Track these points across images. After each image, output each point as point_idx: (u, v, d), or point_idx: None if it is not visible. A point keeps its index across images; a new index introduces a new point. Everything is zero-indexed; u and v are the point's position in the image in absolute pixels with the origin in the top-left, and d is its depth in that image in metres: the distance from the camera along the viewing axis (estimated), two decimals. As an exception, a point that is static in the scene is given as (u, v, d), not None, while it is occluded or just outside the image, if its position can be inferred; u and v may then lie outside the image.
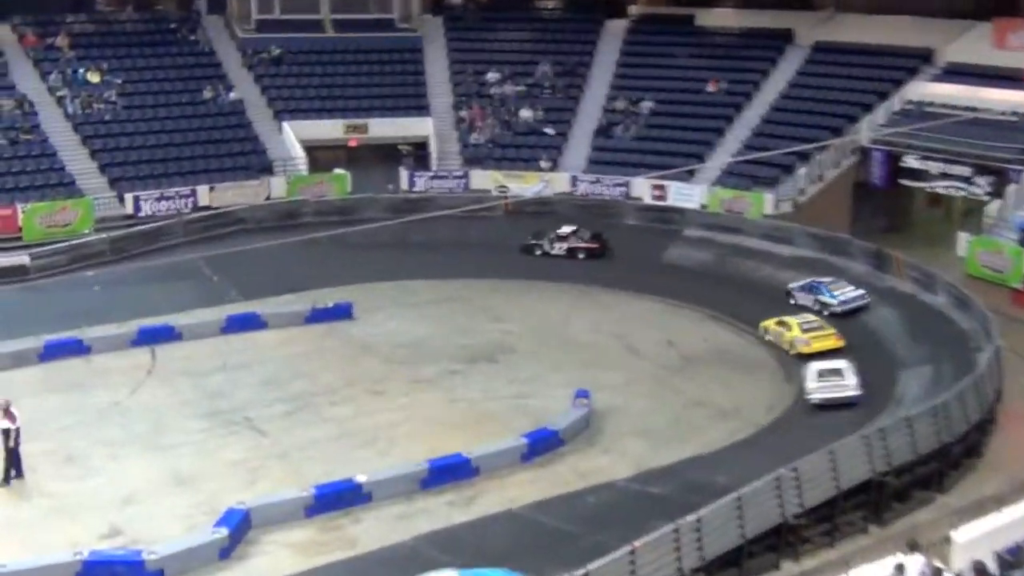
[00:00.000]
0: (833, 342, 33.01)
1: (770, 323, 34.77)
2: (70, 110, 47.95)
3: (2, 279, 39.75)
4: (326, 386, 31.80)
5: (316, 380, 32.20)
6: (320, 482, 25.49)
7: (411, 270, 40.91)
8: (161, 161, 47.15)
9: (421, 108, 52.40)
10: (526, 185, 48.84)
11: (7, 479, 25.86)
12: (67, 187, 44.51)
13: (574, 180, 49.01)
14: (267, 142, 49.66)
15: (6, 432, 25.69)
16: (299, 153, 49.37)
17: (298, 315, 36.58)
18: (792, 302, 36.73)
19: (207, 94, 50.74)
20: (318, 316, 36.61)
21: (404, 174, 50.07)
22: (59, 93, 48.31)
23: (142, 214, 45.02)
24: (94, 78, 49.27)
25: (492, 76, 54.10)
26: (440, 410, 30.28)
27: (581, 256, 42.10)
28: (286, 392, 31.38)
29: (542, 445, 27.54)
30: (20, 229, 42.72)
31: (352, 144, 51.22)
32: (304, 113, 50.93)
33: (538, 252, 42.64)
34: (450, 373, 32.71)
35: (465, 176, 49.91)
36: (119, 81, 49.66)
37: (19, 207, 42.86)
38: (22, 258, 40.68)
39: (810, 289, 36.85)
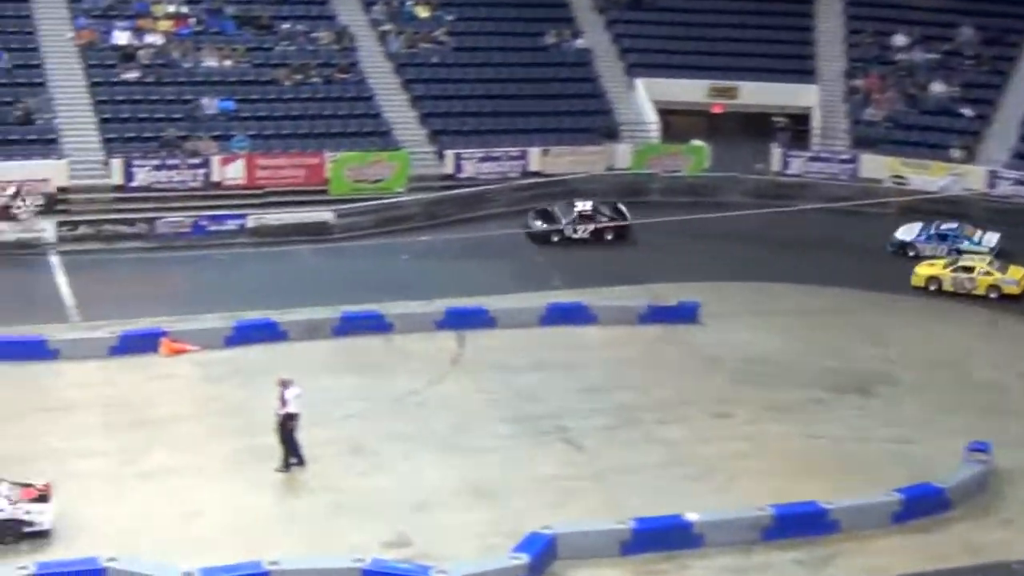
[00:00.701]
0: (1028, 275, 36.68)
1: (934, 270, 38.43)
2: (393, 48, 50.76)
3: (301, 236, 42.77)
4: (657, 401, 32.08)
5: (646, 392, 32.56)
6: (641, 514, 25.75)
7: (774, 271, 40.53)
8: (491, 115, 49.02)
9: (805, 73, 51.77)
10: (930, 178, 47.16)
11: (286, 465, 27.81)
12: (382, 137, 47.20)
13: (992, 177, 46.85)
14: (615, 101, 50.59)
15: (294, 415, 27.58)
16: (651, 117, 49.94)
17: (631, 311, 37.04)
18: (912, 254, 40.81)
19: (550, 39, 52.23)
20: (656, 315, 36.91)
21: (776, 152, 49.60)
22: (382, 27, 51.26)
23: (463, 175, 47.06)
24: (423, 13, 51.91)
25: (899, 39, 52.57)
26: (795, 446, 29.88)
27: (609, 237, 42.01)
28: (609, 403, 31.91)
29: (922, 505, 26.65)
30: (327, 181, 45.81)
31: (716, 111, 51.26)
32: (662, 69, 51.44)
33: (556, 239, 42.12)
34: (812, 402, 32.20)
35: (853, 160, 48.84)
36: (450, 18, 52.07)
37: (327, 156, 45.94)
38: (325, 214, 43.56)
39: (939, 238, 40.97)
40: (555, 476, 28.31)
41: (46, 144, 44.30)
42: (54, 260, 40.14)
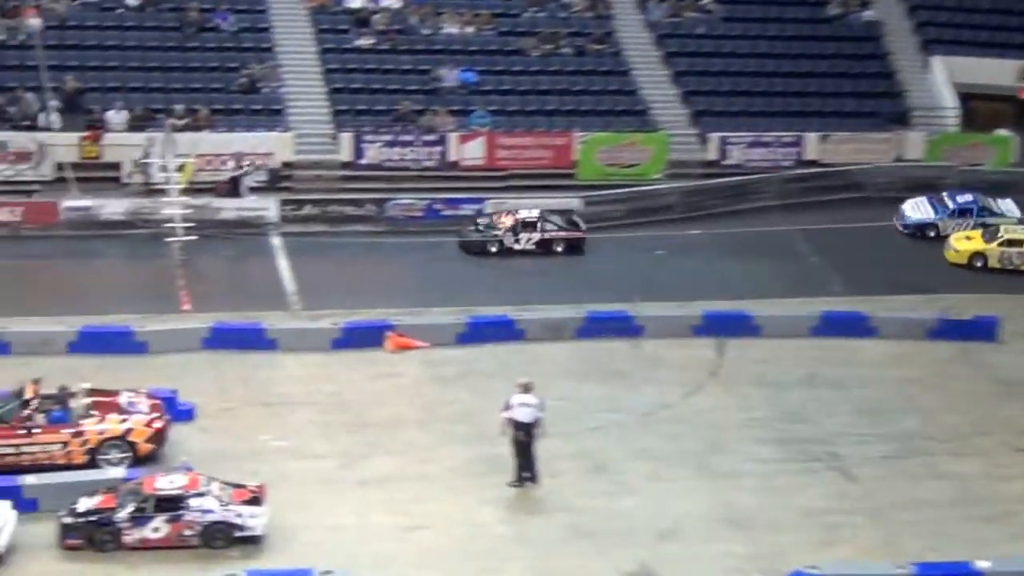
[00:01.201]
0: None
1: (973, 243, 40.76)
2: (653, 16, 50.66)
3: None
4: (948, 429, 31.27)
5: (934, 419, 31.77)
6: (924, 560, 25.14)
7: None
8: (762, 95, 48.52)
9: None
10: None
11: (519, 480, 28.00)
12: (638, 116, 47.17)
13: None
14: (907, 82, 49.39)
15: (525, 424, 27.68)
16: (949, 102, 48.57)
17: (919, 325, 36.12)
18: (932, 235, 42.35)
19: (834, 9, 51.30)
20: (948, 331, 35.91)
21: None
22: (645, -7, 51.17)
23: (728, 162, 46.68)
24: (689, -23, 51.61)
25: None
26: (1113, 491, 28.67)
27: (559, 248, 40.94)
28: (890, 428, 31.25)
29: None
30: (574, 165, 46.15)
31: (1025, 96, 49.64)
32: (964, 47, 50.05)
33: (493, 248, 40.78)
34: None
35: None
36: (720, -17, 51.69)
37: (577, 136, 46.23)
38: (572, 201, 43.86)
39: (968, 212, 42.77)
40: (823, 509, 27.85)
41: (271, 115, 45.81)
42: (275, 241, 41.49)
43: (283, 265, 39.90)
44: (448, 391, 32.41)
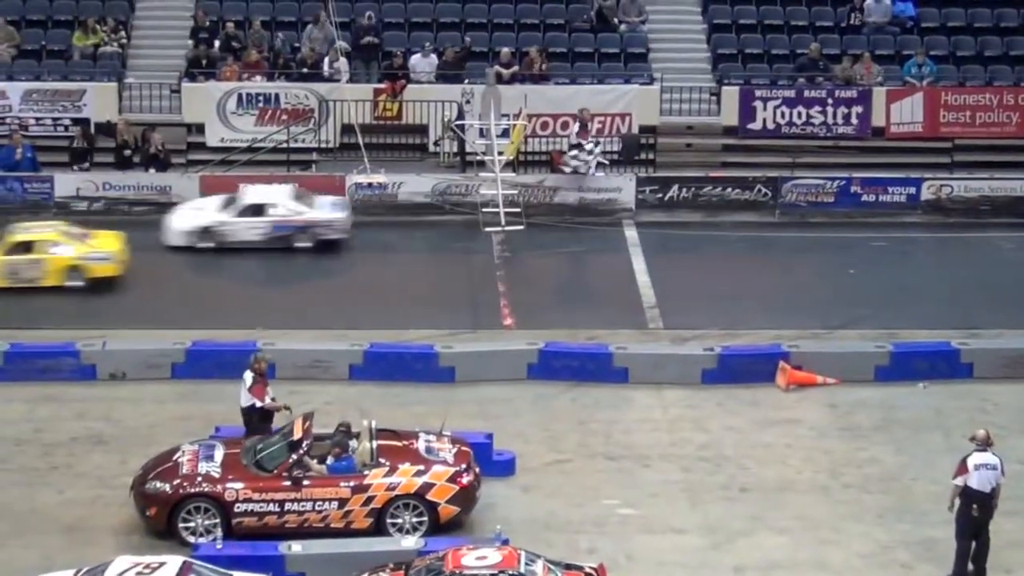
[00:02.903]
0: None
1: None
2: None
3: (1002, 218, 42.90)
4: None
5: None
6: None
7: None
8: None
9: None
10: None
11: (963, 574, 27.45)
12: None
13: None
14: None
15: (982, 495, 27.03)
16: None
17: None
18: None
19: None
20: None
21: None
22: None
23: None
24: None
25: None
26: None
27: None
28: None
29: None
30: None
31: None
32: None
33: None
34: None
35: None
36: None
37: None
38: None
39: None
40: None
41: (630, 62, 46.28)
42: (630, 234, 41.88)
43: (639, 267, 40.33)
44: (860, 446, 32.02)
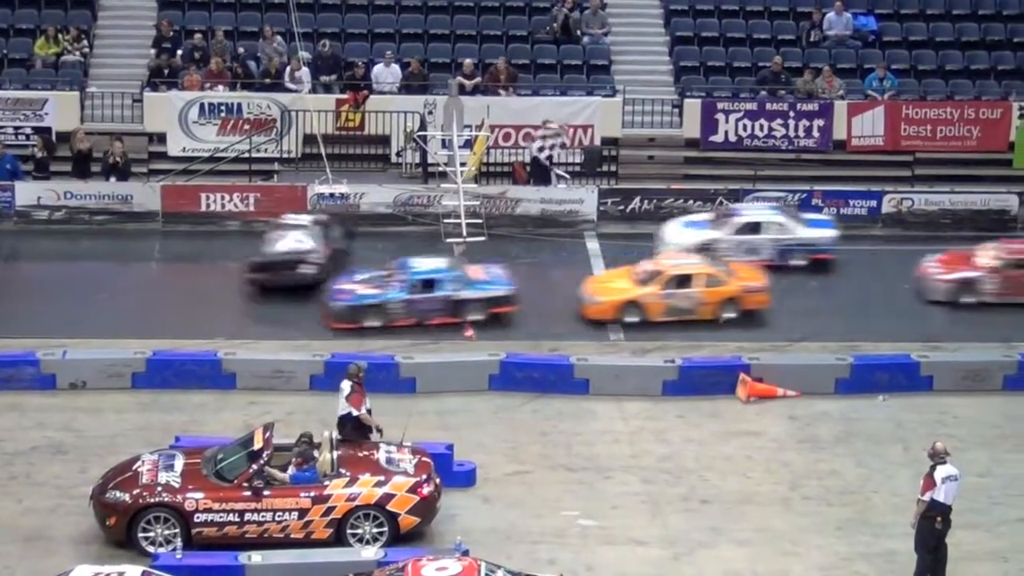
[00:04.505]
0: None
1: None
2: None
3: (965, 231, 42.97)
4: None
5: None
6: None
7: None
8: None
9: None
10: None
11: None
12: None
13: None
14: None
15: (945, 507, 27.06)
16: None
17: None
18: None
19: None
20: None
21: None
22: None
23: None
24: None
25: None
26: None
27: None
28: None
29: None
30: (1010, 147, 45.86)
31: None
32: None
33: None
34: None
35: None
36: None
37: (1015, 107, 45.71)
38: (1008, 199, 43.81)
39: None
40: None
41: (592, 73, 46.28)
42: (591, 246, 41.92)
43: (600, 278, 40.34)
44: (821, 458, 32.10)
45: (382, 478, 28.30)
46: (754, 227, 41.02)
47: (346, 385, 29.84)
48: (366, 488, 28.12)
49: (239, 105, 45.02)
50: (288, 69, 45.21)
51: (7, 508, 29.06)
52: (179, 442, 30.15)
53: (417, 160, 44.43)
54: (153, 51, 46.55)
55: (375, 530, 28.08)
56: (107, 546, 27.59)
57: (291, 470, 28.01)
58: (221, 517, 27.71)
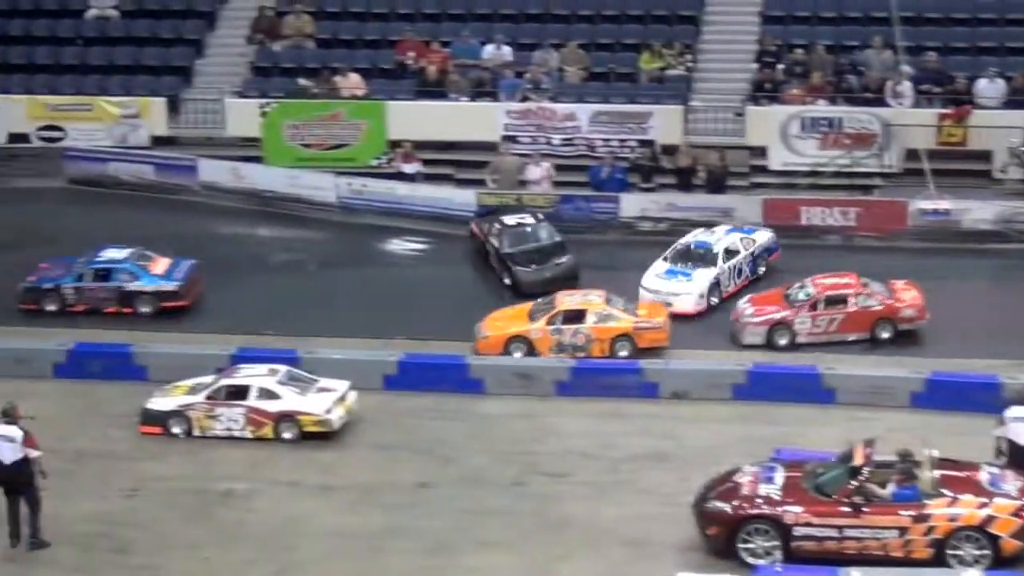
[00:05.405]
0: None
1: None
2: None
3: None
4: None
5: None
6: None
7: None
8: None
9: None
10: None
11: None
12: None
13: None
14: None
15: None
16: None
17: None
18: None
19: None
20: None
21: None
22: None
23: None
24: None
25: None
26: None
27: None
28: None
29: None
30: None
31: None
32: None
33: None
34: None
35: None
36: None
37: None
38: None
39: None
40: None
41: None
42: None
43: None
44: None
45: (985, 499, 27.91)
46: None
47: None
48: (968, 509, 27.77)
49: (840, 119, 45.12)
50: (889, 83, 45.00)
51: (609, 512, 30.01)
52: (779, 455, 30.46)
53: (1020, 176, 43.66)
54: (756, 65, 47.17)
55: (976, 552, 27.67)
56: (708, 556, 28.12)
57: (892, 487, 27.91)
58: (820, 531, 27.85)
